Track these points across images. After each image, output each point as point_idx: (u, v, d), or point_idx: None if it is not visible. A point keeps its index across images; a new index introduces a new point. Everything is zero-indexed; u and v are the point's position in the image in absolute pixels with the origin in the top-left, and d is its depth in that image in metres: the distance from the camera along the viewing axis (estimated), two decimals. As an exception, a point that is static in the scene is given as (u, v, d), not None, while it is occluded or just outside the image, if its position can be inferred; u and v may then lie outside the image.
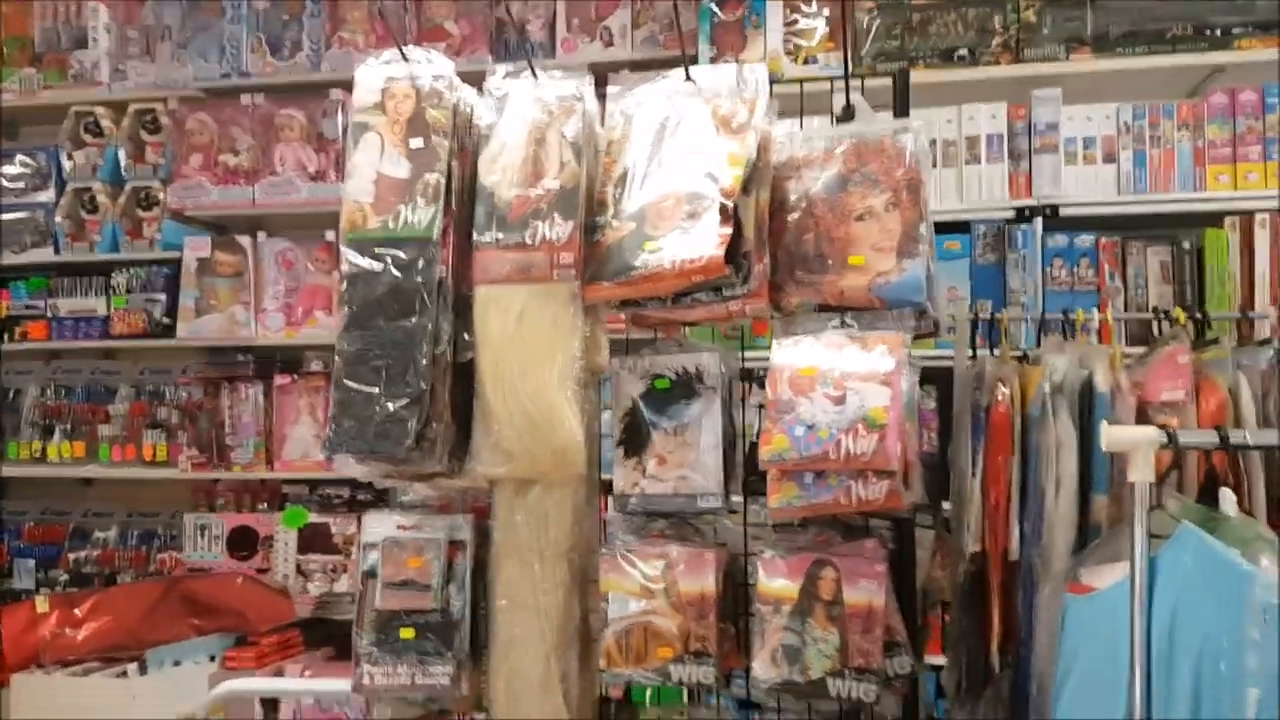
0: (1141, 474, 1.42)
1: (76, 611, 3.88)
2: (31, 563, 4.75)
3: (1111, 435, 1.48)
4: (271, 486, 4.81)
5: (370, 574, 2.05)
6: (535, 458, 1.91)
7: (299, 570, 4.64)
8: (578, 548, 2.03)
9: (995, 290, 3.36)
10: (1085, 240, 3.31)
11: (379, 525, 2.09)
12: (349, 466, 1.97)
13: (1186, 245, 3.24)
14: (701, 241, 1.82)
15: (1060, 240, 3.34)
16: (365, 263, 1.88)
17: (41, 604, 3.84)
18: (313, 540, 4.66)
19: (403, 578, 2.03)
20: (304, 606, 4.48)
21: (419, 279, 1.87)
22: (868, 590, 1.82)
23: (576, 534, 2.03)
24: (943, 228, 3.43)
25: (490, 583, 2.04)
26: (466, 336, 1.96)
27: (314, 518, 4.64)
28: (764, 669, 1.84)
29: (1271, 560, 1.27)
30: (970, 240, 3.42)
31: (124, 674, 3.69)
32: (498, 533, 2.04)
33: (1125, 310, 3.21)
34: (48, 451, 4.65)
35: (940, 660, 2.78)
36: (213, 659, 4.07)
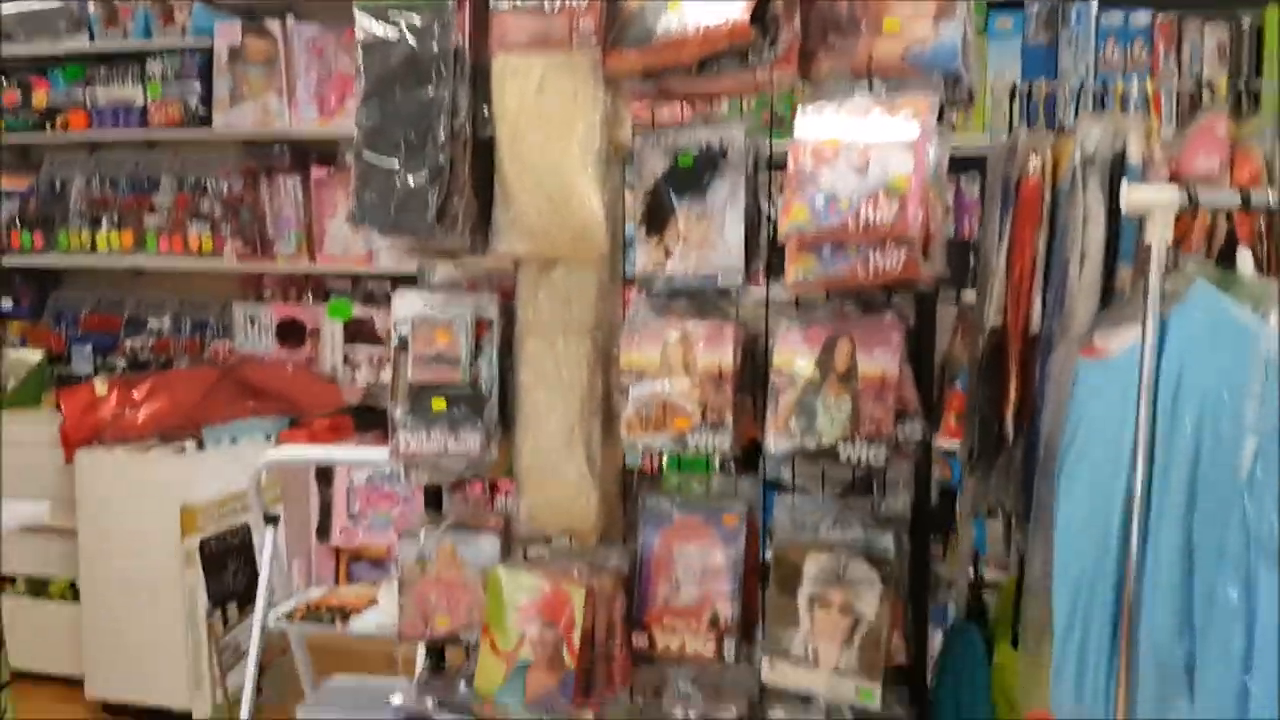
0: (1159, 235, 1.41)
1: (135, 394, 4.05)
2: (89, 349, 4.94)
3: (1132, 196, 1.46)
4: (315, 279, 4.91)
5: (402, 347, 2.11)
6: (555, 237, 1.93)
7: (346, 361, 4.79)
8: (601, 326, 2.07)
9: (1047, 72, 3.24)
10: (1141, 19, 3.15)
11: (408, 302, 2.14)
12: (374, 241, 2.00)
13: (1245, 24, 3.08)
14: (727, 4, 1.77)
15: (1115, 19, 3.18)
16: (380, 29, 1.86)
17: (100, 386, 4.02)
18: (358, 332, 4.79)
19: (432, 352, 2.09)
20: (352, 395, 4.65)
21: (435, 46, 1.84)
22: (882, 360, 1.85)
23: (599, 312, 2.06)
24: (994, 5, 3.29)
25: (516, 359, 2.10)
26: (486, 111, 1.94)
27: (357, 311, 4.75)
28: (777, 437, 1.90)
29: (1280, 317, 1.27)
30: (1022, 19, 3.28)
31: (183, 450, 3.87)
32: (522, 311, 2.09)
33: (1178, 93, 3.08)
34: (96, 242, 4.76)
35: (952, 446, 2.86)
36: (268, 438, 4.26)
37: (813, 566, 1.94)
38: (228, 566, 3.89)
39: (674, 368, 1.97)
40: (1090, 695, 1.53)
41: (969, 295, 2.21)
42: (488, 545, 2.14)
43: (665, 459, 2.44)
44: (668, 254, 1.99)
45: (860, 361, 1.86)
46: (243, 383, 4.39)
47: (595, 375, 2.06)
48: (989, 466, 2.05)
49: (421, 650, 2.41)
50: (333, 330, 4.81)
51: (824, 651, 1.92)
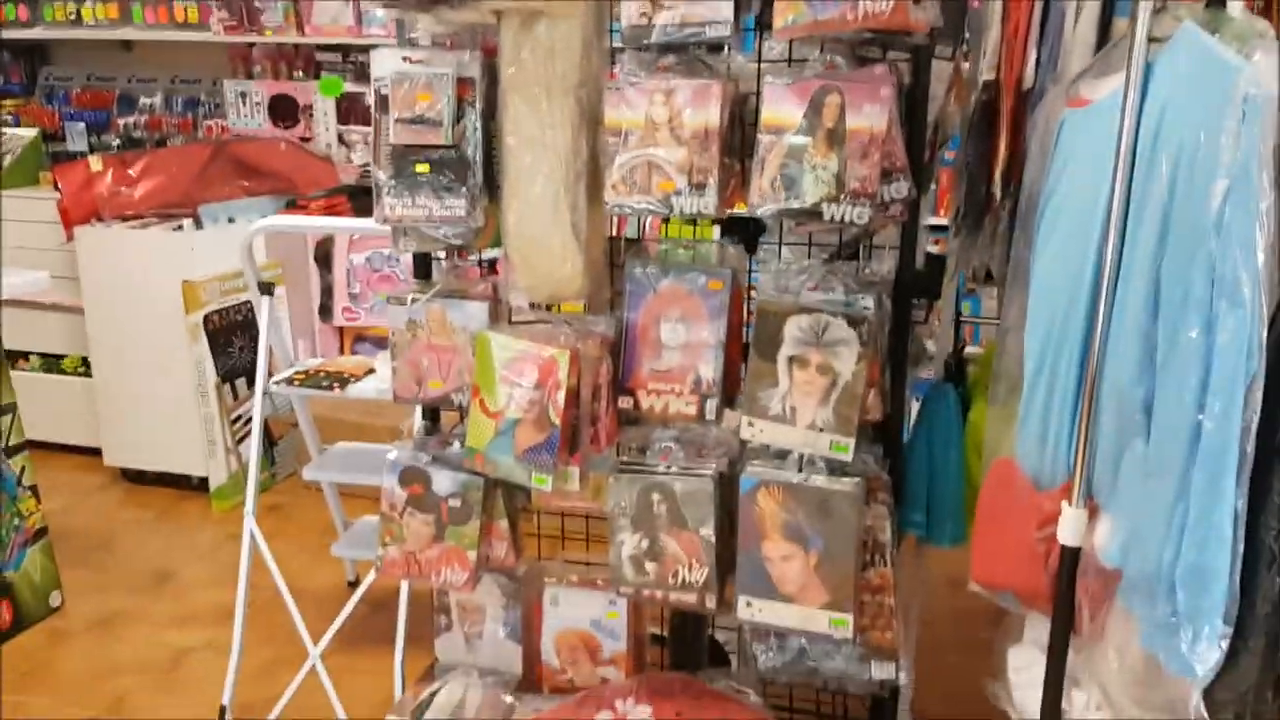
0: (1148, -25, 1.35)
1: (130, 171, 4.03)
2: (82, 126, 4.88)
3: (1127, -64, 1.39)
4: (305, 53, 4.79)
5: (382, 108, 2.08)
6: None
7: (341, 140, 4.73)
8: (586, 84, 2.02)
9: None
10: None
11: (387, 60, 2.08)
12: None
13: None
14: None
15: None
16: None
17: (95, 163, 3.99)
18: (351, 111, 4.71)
19: (413, 113, 2.05)
20: (348, 175, 4.61)
21: None
22: (871, 114, 1.81)
23: (584, 69, 2.01)
24: None
25: (499, 120, 2.06)
26: None
27: (349, 87, 4.66)
28: (762, 197, 1.89)
29: (1266, 55, 1.23)
30: None
31: (180, 228, 3.88)
32: (504, 68, 2.03)
33: None
34: (82, 13, 4.62)
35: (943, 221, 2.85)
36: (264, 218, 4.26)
37: (793, 328, 1.96)
38: (233, 343, 3.97)
39: (659, 128, 1.94)
40: (1053, 440, 1.58)
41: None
42: (477, 311, 2.16)
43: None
44: (655, 5, 1.92)
45: (849, 117, 1.82)
46: (237, 160, 4.36)
47: (580, 137, 2.03)
48: (976, 227, 2.04)
49: (418, 413, 2.49)
50: (325, 108, 4.72)
51: (801, 410, 1.97)
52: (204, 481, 3.97)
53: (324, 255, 4.46)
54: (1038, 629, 1.73)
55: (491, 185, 2.10)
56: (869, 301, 1.98)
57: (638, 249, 2.21)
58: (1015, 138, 1.97)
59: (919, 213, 2.03)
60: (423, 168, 2.07)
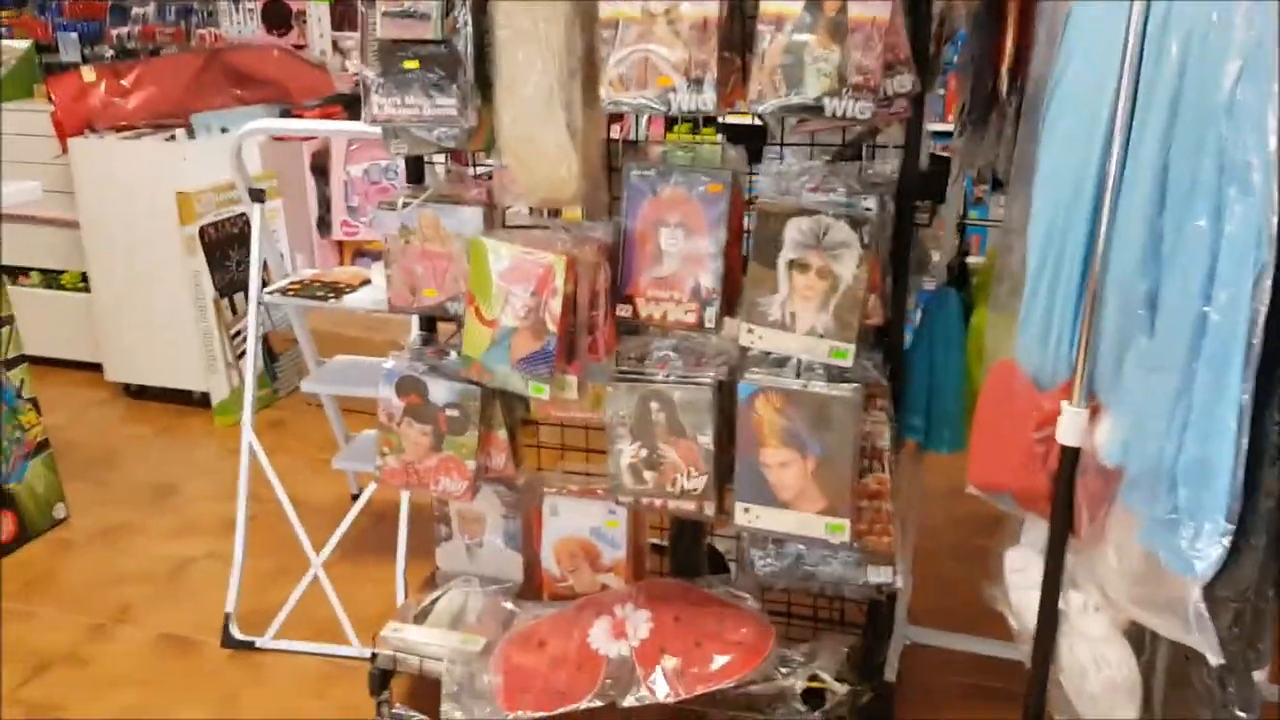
0: None
1: (123, 82, 3.95)
2: (75, 36, 4.78)
3: None
4: (298, -42, 4.66)
5: (369, 2, 2.01)
6: None
7: (335, 48, 4.62)
8: (579, -25, 1.95)
9: None
10: None
11: (374, -45, 2.01)
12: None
13: None
14: None
15: None
16: None
17: (88, 74, 3.91)
18: (346, 17, 4.59)
19: (401, 7, 1.99)
20: (343, 84, 4.52)
21: None
22: (874, 3, 1.74)
23: (577, -40, 1.94)
24: None
25: (491, 13, 1.99)
26: None
27: (344, -9, 4.54)
28: (760, 91, 1.83)
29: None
30: None
31: (173, 138, 3.82)
32: (498, -31, 1.96)
33: None
34: (67, -79, 4.49)
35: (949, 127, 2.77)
36: (260, 130, 4.19)
37: (793, 230, 1.91)
38: (230, 256, 3.93)
39: (656, 20, 1.87)
40: (1055, 338, 1.54)
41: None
42: (471, 216, 2.12)
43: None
44: (648, -108, 1.84)
45: (851, 6, 1.75)
46: (230, 69, 4.27)
47: (574, 31, 1.96)
48: (983, 123, 1.98)
49: (415, 323, 2.46)
50: (319, 14, 4.61)
51: (801, 315, 1.94)
52: (205, 397, 3.96)
53: (320, 167, 4.39)
54: (1035, 531, 1.71)
55: (484, 84, 2.04)
56: (871, 203, 1.93)
57: (635, 151, 2.15)
58: (1022, 31, 1.90)
59: (923, 110, 1.97)
60: (411, 64, 2.01)
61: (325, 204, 4.42)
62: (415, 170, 2.29)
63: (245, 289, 3.98)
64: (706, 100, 1.89)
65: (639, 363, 2.12)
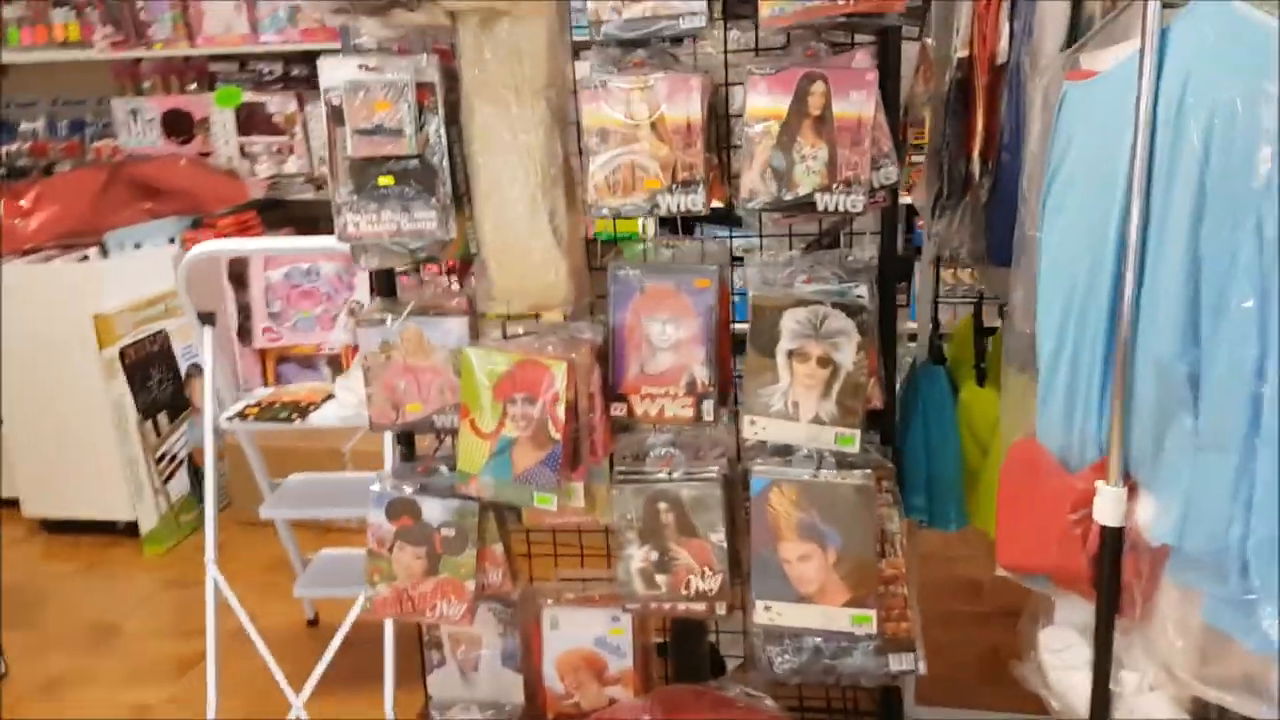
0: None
1: (22, 202, 3.78)
2: (-40, 159, 4.56)
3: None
4: (197, 65, 4.57)
5: (336, 120, 1.96)
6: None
7: (243, 153, 4.51)
8: (554, 84, 1.94)
9: None
10: None
11: (337, 69, 1.96)
12: None
13: None
14: None
15: None
16: None
17: (-17, 197, 3.72)
18: (252, 121, 4.50)
19: (372, 123, 1.94)
20: (255, 189, 4.41)
21: None
22: (857, 102, 1.77)
23: (552, 68, 1.92)
24: None
25: (465, 126, 1.96)
26: None
27: (248, 97, 4.45)
28: (751, 189, 1.83)
29: (1302, 18, 1.22)
30: None
31: (85, 259, 3.65)
32: (466, 72, 1.93)
33: None
34: (-51, 39, 4.31)
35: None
36: (172, 241, 4.05)
37: (790, 321, 1.92)
38: (152, 375, 3.76)
39: (640, 125, 1.87)
40: (1080, 419, 1.56)
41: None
42: (456, 327, 2.06)
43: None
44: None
45: (835, 104, 1.78)
46: (136, 182, 4.12)
47: (554, 139, 1.95)
48: (955, 208, 2.02)
49: (389, 440, 2.37)
50: (224, 120, 4.50)
51: (804, 404, 1.93)
52: (132, 526, 3.74)
53: (238, 274, 4.24)
54: (1071, 610, 1.72)
55: (458, 194, 2.00)
56: (862, 289, 1.95)
57: (616, 250, 2.13)
58: (991, 115, 1.96)
59: (898, 196, 2.01)
60: (386, 180, 1.96)
61: (245, 311, 4.25)
62: (386, 283, 2.22)
63: (168, 408, 3.81)
64: (695, 201, 1.89)
65: (639, 461, 2.08)
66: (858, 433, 1.93)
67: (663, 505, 2.02)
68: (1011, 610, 1.87)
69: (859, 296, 1.94)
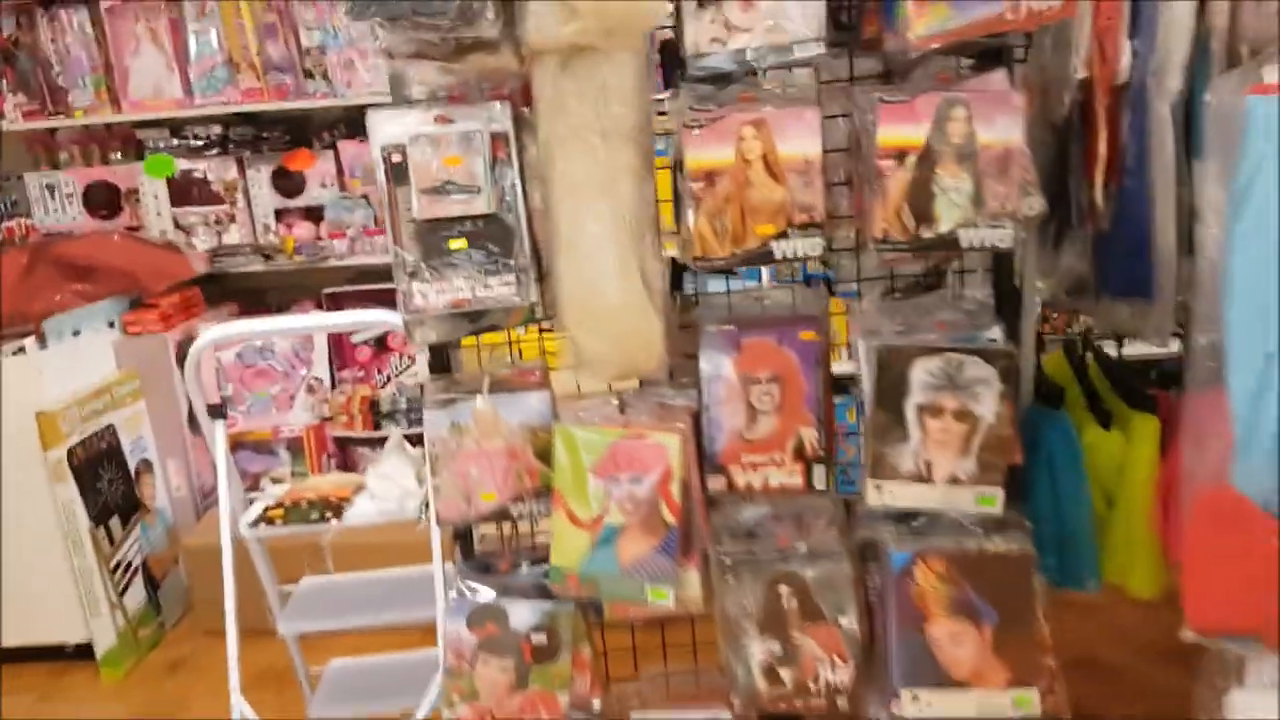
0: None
1: (-62, 293, 3.36)
2: None
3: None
4: (122, 133, 4.21)
5: (397, 180, 1.71)
6: (606, 9, 1.56)
7: (177, 225, 4.16)
8: (644, 126, 1.73)
9: None
10: None
11: (392, 123, 1.72)
12: (378, 35, 1.57)
13: None
14: None
15: None
16: None
17: (-108, 289, 3.30)
18: (188, 191, 4.15)
19: (441, 180, 1.70)
20: (198, 263, 4.05)
21: None
22: (1004, 127, 1.62)
23: (641, 109, 1.72)
24: None
25: (545, 177, 1.74)
26: None
27: (182, 164, 4.10)
28: (886, 228, 1.65)
29: None
30: None
31: (22, 350, 3.26)
32: (545, 116, 1.71)
33: None
34: None
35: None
36: (112, 325, 3.68)
37: (921, 372, 1.74)
38: (101, 476, 3.36)
39: (752, 165, 1.67)
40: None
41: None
42: (536, 403, 1.82)
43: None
44: (729, 28, 1.65)
45: (980, 131, 1.62)
46: (64, 263, 3.74)
47: (645, 184, 1.74)
48: (1082, 238, 1.88)
49: (436, 534, 2.09)
50: (155, 190, 4.14)
51: (938, 463, 1.75)
52: (85, 648, 3.32)
53: (181, 354, 3.88)
54: (1270, 670, 1.57)
55: (535, 253, 1.77)
56: (996, 332, 1.78)
57: (706, 303, 1.93)
58: (1113, 139, 1.83)
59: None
60: (458, 244, 1.72)
61: (194, 397, 3.89)
62: (441, 359, 1.96)
63: (120, 511, 3.42)
64: (815, 245, 1.70)
65: (747, 540, 1.86)
66: (1000, 491, 1.76)
67: (784, 589, 1.80)
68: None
69: (992, 340, 1.77)
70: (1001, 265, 1.88)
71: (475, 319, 1.84)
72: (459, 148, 1.70)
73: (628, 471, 1.71)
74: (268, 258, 4.07)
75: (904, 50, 1.58)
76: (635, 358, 1.78)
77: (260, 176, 4.11)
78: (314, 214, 4.12)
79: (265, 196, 4.13)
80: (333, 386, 4.04)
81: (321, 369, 4.04)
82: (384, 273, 4.09)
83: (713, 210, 1.69)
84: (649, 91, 1.74)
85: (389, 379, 4.07)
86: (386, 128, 1.73)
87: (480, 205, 1.71)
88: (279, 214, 4.13)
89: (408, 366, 4.06)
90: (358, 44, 3.76)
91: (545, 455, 1.84)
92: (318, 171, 4.09)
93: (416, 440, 3.94)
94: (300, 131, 4.14)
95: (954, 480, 1.75)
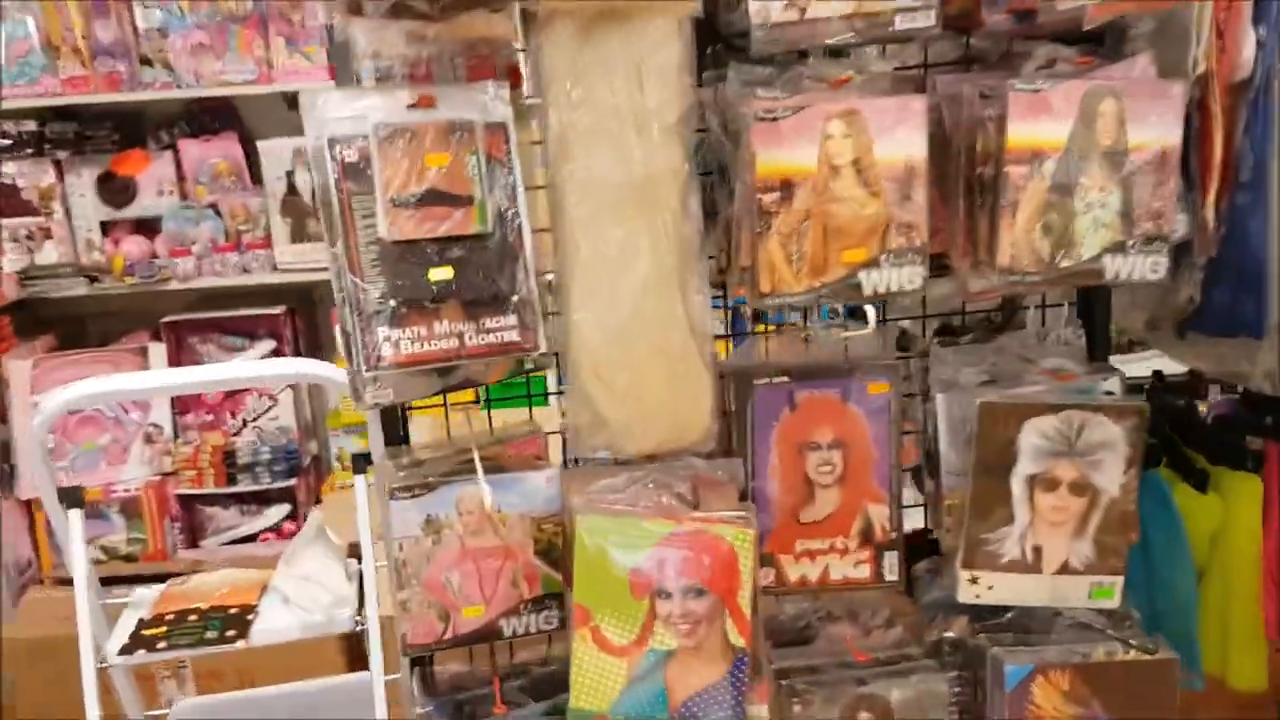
0: None
1: None
2: None
3: None
4: (-96, 129, 3.43)
5: (354, 184, 1.22)
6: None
7: (-25, 241, 3.43)
8: (687, 118, 1.31)
9: None
10: None
11: (343, 107, 1.23)
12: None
13: None
14: None
15: None
16: None
17: None
18: (-10, 202, 3.42)
19: (422, 187, 1.23)
20: (9, 288, 3.34)
21: None
22: (1160, 126, 1.28)
23: (685, 94, 1.30)
24: None
25: (554, 181, 1.29)
26: None
27: (-23, 168, 3.38)
28: (1015, 256, 1.28)
29: None
30: None
31: None
32: (557, 102, 1.27)
33: None
34: None
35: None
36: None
37: (1032, 435, 1.38)
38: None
39: (840, 171, 1.27)
40: None
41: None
42: (544, 486, 1.36)
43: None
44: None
45: (1132, 131, 1.27)
46: None
47: (691, 196, 1.32)
48: (1196, 265, 1.56)
49: (377, 643, 1.59)
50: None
51: (1049, 548, 1.40)
52: None
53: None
54: None
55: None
56: (1114, 384, 1.45)
57: (746, 348, 1.52)
58: (1229, 144, 1.52)
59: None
60: (442, 273, 1.25)
61: (4, 451, 3.20)
62: (394, 427, 1.48)
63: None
64: (915, 275, 1.31)
65: (804, 650, 1.47)
66: (1120, 580, 1.42)
67: (865, 714, 1.41)
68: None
69: (1109, 393, 1.43)
70: (1096, 298, 1.55)
71: (446, 373, 1.36)
72: (447, 141, 1.23)
73: (683, 579, 1.28)
74: (92, 280, 3.39)
75: (1024, 22, 1.21)
76: (679, 422, 1.35)
77: (83, 182, 3.43)
78: (149, 227, 3.47)
79: (89, 206, 3.44)
80: (175, 435, 3.40)
81: (161, 414, 3.39)
82: (237, 296, 3.52)
83: (787, 231, 1.28)
84: (693, 74, 1.32)
85: (244, 424, 3.46)
86: (333, 112, 1.23)
87: (473, 221, 1.24)
88: (106, 227, 3.46)
89: (268, 408, 3.47)
90: (209, 26, 3.17)
91: (548, 554, 1.39)
92: (153, 176, 3.45)
93: (275, 494, 3.41)
94: (133, 129, 3.49)
95: (1065, 569, 1.41)
